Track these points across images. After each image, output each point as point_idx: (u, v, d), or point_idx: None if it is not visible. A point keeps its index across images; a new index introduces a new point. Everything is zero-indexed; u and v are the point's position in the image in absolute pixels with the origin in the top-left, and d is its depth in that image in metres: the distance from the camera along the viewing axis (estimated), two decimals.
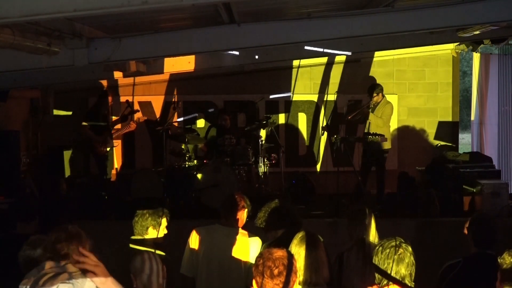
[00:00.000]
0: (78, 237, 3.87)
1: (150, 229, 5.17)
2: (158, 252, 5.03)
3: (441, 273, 4.84)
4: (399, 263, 3.69)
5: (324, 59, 11.87)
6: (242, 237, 5.31)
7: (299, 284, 3.85)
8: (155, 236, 5.19)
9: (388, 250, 3.72)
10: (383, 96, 10.26)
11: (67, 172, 10.94)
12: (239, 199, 5.46)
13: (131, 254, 4.77)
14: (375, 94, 10.12)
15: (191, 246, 5.39)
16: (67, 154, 10.98)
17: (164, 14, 6.42)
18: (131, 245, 5.11)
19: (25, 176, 9.90)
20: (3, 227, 6.07)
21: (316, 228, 4.25)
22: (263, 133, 11.17)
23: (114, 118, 11.37)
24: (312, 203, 10.25)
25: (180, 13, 6.51)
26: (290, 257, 3.45)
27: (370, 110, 10.07)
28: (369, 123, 10.10)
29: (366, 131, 10.12)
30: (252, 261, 4.91)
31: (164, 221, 5.23)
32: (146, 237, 5.17)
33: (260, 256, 3.44)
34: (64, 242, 3.80)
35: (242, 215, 5.45)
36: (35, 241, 4.49)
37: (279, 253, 3.41)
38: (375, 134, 9.78)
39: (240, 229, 5.38)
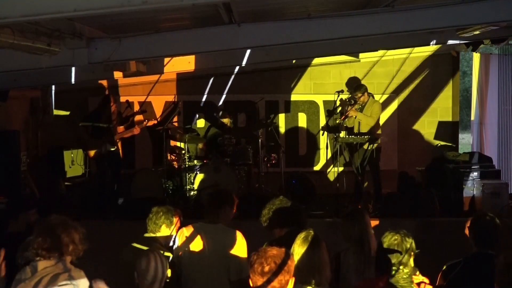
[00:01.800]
0: (63, 227, 3.73)
1: (163, 228, 5.24)
2: (166, 253, 5.05)
3: (442, 273, 4.84)
4: None
5: (324, 59, 11.85)
6: (223, 232, 5.28)
7: (304, 284, 3.84)
8: (167, 235, 5.22)
9: None
10: (369, 95, 10.29)
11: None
12: (221, 196, 5.45)
13: (133, 253, 4.78)
14: (360, 94, 10.12)
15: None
16: (67, 154, 10.96)
17: (164, 14, 6.42)
18: (134, 244, 5.12)
19: (25, 176, 9.89)
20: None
21: (316, 228, 4.23)
22: (263, 133, 11.17)
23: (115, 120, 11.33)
24: (312, 203, 10.24)
25: (180, 13, 6.51)
26: (286, 257, 3.43)
27: (358, 110, 10.05)
28: (359, 122, 10.10)
29: (356, 131, 10.11)
30: (235, 254, 5.04)
31: (176, 221, 5.27)
32: (158, 235, 5.22)
33: (255, 253, 3.44)
34: (47, 234, 3.68)
35: (224, 212, 5.38)
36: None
37: (273, 251, 3.40)
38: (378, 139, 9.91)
39: (220, 224, 5.33)
